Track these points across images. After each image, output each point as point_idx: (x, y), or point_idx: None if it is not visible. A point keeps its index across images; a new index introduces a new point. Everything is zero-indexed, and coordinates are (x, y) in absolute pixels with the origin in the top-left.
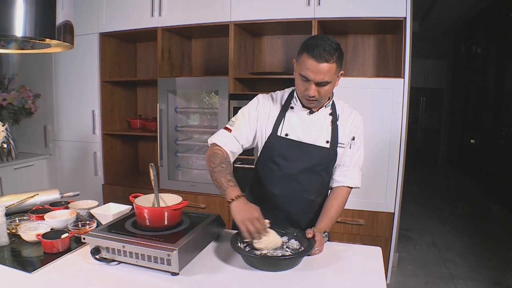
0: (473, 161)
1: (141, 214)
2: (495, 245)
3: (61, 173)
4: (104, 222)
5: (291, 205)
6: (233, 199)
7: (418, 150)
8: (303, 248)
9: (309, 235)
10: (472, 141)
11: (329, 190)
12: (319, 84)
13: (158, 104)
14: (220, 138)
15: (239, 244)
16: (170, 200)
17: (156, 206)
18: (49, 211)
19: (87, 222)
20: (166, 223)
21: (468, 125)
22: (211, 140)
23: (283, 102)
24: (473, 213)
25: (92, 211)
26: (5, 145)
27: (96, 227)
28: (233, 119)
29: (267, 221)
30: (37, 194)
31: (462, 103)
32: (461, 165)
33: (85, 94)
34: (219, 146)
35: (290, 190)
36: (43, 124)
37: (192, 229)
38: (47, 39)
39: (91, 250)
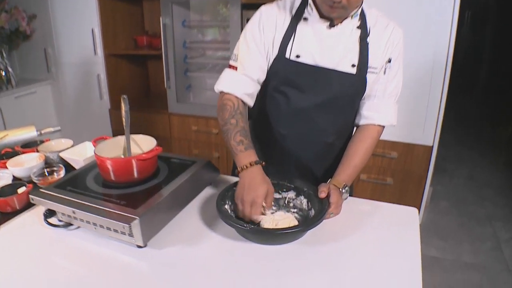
0: None
1: (103, 166)
2: None
3: (66, 99)
4: (77, 168)
5: (303, 149)
6: (242, 168)
7: (457, 73)
8: (312, 212)
9: (322, 195)
10: None
11: (354, 129)
12: None
13: (161, 18)
14: (226, 82)
15: (227, 207)
16: (145, 143)
17: (127, 152)
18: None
19: (54, 169)
20: (136, 176)
21: None
22: (217, 87)
23: (293, 12)
24: None
25: (62, 154)
26: (2, 73)
27: (64, 175)
28: (234, 51)
29: (268, 212)
30: (7, 135)
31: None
32: (504, 91)
33: (82, 11)
34: (228, 93)
35: (302, 129)
36: (43, 47)
37: (169, 184)
38: None
39: (43, 213)
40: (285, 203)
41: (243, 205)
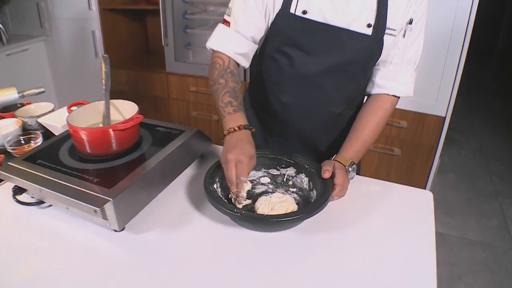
0: None
1: (76, 137)
2: None
3: (61, 57)
4: (57, 135)
5: (307, 120)
6: (229, 131)
7: (474, 40)
8: (314, 193)
9: (326, 175)
10: None
11: (365, 99)
12: None
13: None
14: (216, 39)
15: (216, 187)
16: (127, 109)
17: (106, 120)
18: None
19: (32, 136)
20: (114, 148)
21: None
22: (207, 44)
23: None
24: None
25: (41, 120)
26: None
27: (42, 142)
28: (230, 4)
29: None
30: None
31: None
32: None
33: None
34: (219, 52)
35: (306, 97)
36: (35, 2)
37: (152, 157)
38: None
39: (12, 189)
40: (283, 180)
41: (227, 165)
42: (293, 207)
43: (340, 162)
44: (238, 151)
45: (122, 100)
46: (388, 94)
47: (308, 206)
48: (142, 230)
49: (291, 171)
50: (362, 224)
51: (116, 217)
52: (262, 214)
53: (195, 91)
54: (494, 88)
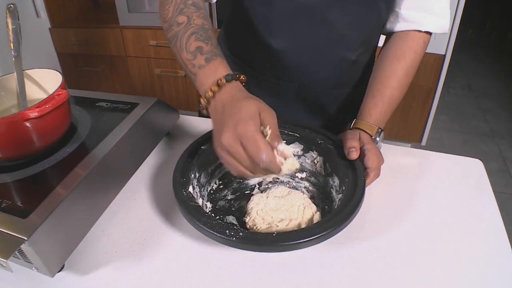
0: None
1: None
2: None
3: None
4: None
5: (309, 71)
6: (208, 95)
7: None
8: (336, 180)
9: (353, 155)
10: None
11: (380, 40)
12: None
13: None
14: None
15: (191, 189)
16: (49, 82)
17: (21, 102)
18: None
19: None
20: (36, 143)
21: None
22: None
23: None
24: None
25: None
26: None
27: None
28: None
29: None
30: None
31: None
32: None
33: None
34: None
35: (307, 40)
36: None
37: (93, 149)
38: None
39: None
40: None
41: (231, 150)
42: (311, 211)
43: (364, 131)
44: (238, 120)
45: (41, 70)
46: (419, 31)
47: (338, 214)
48: (91, 267)
49: (296, 148)
50: (407, 215)
51: (42, 260)
52: (271, 233)
53: (155, 45)
54: (477, 22)
